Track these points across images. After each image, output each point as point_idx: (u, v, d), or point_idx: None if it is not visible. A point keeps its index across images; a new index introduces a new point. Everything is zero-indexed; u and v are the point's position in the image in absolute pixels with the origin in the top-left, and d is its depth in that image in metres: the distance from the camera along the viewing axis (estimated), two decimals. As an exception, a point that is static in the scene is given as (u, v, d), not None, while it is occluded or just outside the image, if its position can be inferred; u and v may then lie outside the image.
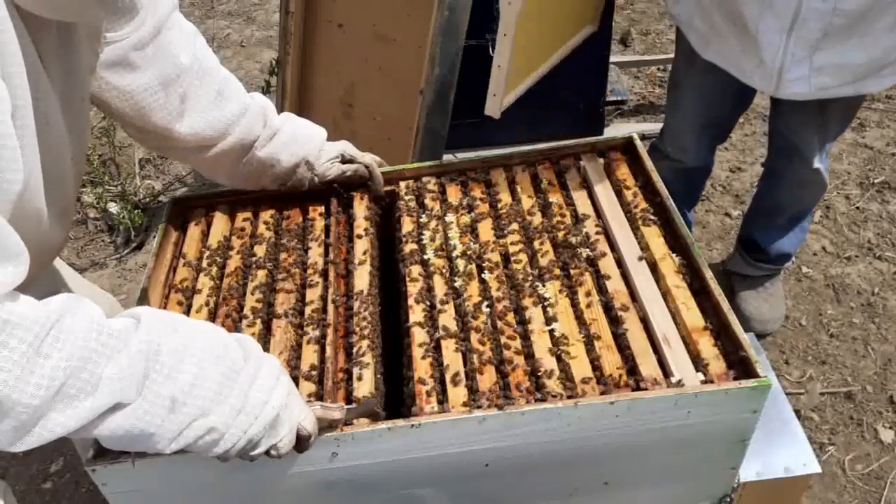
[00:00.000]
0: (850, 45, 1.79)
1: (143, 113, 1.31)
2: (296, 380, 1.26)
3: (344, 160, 1.58)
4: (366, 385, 1.23)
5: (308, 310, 1.39)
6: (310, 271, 1.46)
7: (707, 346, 1.21)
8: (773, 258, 2.57)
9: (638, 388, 1.17)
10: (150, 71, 1.28)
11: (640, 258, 1.38)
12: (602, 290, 1.35)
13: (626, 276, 1.36)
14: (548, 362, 1.22)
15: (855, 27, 1.75)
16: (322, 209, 1.60)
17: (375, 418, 1.18)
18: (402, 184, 1.64)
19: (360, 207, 1.59)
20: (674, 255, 1.37)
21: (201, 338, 1.05)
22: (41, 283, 1.38)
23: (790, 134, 2.23)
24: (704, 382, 1.17)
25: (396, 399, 1.27)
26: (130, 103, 1.29)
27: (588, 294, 1.33)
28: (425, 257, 1.45)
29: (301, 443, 1.11)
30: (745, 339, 1.19)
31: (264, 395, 1.06)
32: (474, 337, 1.28)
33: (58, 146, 1.09)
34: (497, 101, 2.10)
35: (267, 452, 1.09)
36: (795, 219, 2.49)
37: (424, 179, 1.64)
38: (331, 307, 1.37)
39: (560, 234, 1.45)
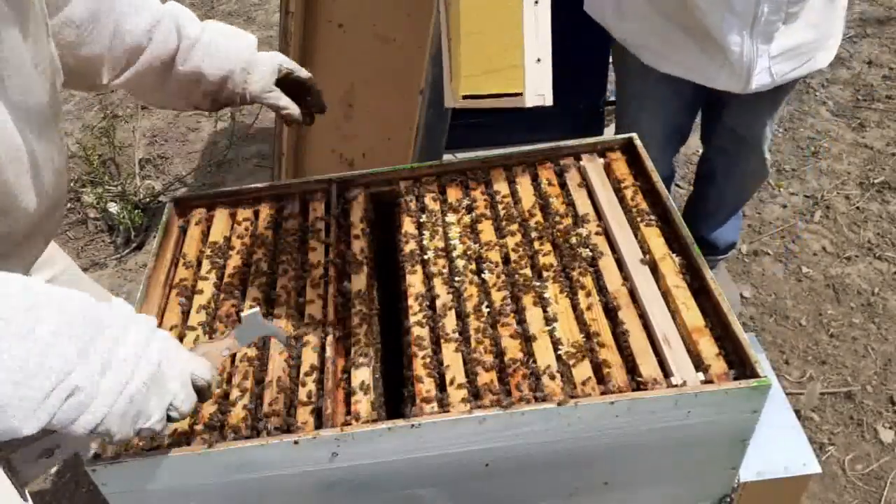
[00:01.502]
0: (798, 26, 1.86)
1: (72, 49, 1.26)
2: (296, 379, 1.27)
3: (280, 74, 1.45)
4: (363, 383, 1.23)
5: (308, 310, 1.39)
6: (309, 271, 1.46)
7: (707, 346, 1.21)
8: (724, 249, 2.65)
9: (638, 388, 1.17)
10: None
11: (640, 258, 1.38)
12: (602, 290, 1.34)
13: (626, 277, 1.36)
14: (548, 362, 1.22)
15: (802, 9, 1.83)
16: (322, 209, 1.60)
17: (280, 338, 1.14)
18: (402, 184, 1.63)
19: (358, 208, 1.59)
20: (674, 255, 1.37)
21: (58, 296, 0.93)
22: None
23: (743, 128, 2.26)
24: (704, 382, 1.17)
25: (396, 399, 1.27)
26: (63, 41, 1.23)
27: (588, 294, 1.33)
28: (425, 257, 1.45)
29: (202, 394, 1.03)
30: (746, 339, 1.19)
31: (137, 349, 0.95)
32: (474, 337, 1.28)
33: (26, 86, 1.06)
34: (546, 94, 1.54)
35: (169, 417, 1.00)
36: (737, 208, 2.58)
37: (424, 179, 1.64)
38: (330, 307, 1.37)
39: (560, 234, 1.45)
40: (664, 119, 2.26)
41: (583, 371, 1.20)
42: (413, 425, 1.14)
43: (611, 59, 3.14)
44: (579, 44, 2.98)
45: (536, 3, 1.28)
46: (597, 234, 1.45)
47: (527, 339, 1.27)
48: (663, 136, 2.31)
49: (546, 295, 1.33)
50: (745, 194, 2.55)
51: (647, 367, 1.19)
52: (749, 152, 2.30)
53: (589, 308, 1.31)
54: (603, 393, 1.17)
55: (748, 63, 1.88)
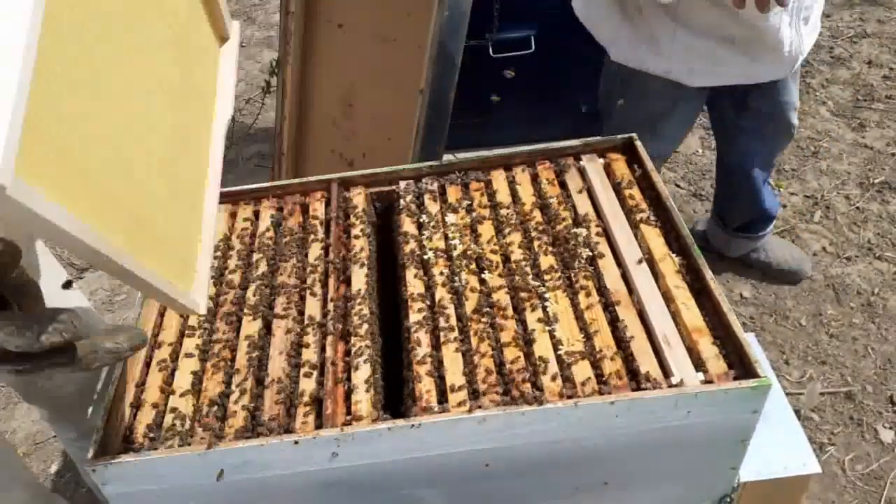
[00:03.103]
0: None
1: None
2: (296, 379, 1.27)
3: None
4: (363, 383, 1.24)
5: (308, 310, 1.39)
6: (309, 271, 1.46)
7: (707, 346, 1.21)
8: (775, 213, 2.76)
9: (638, 388, 1.17)
10: None
11: (640, 258, 1.38)
12: (602, 290, 1.35)
13: (626, 277, 1.36)
14: (548, 362, 1.22)
15: None
16: (322, 209, 1.60)
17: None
18: (402, 184, 1.63)
19: (358, 208, 1.59)
20: (674, 256, 1.37)
21: None
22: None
23: (775, 107, 2.32)
24: (704, 382, 1.17)
25: (396, 399, 1.27)
26: None
27: (588, 294, 1.33)
28: (425, 257, 1.45)
29: None
30: (745, 339, 1.19)
31: None
32: (474, 337, 1.28)
33: None
34: None
35: None
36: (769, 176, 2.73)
37: (424, 179, 1.64)
38: (330, 307, 1.37)
39: (560, 235, 1.45)
40: (686, 128, 2.37)
41: (583, 371, 1.20)
42: (413, 425, 1.14)
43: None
44: (580, 45, 2.98)
45: None
46: (597, 234, 1.45)
47: (527, 340, 1.27)
48: (678, 142, 2.43)
49: (546, 295, 1.33)
50: (774, 163, 2.68)
51: (647, 367, 1.19)
52: (784, 125, 2.38)
53: (589, 308, 1.31)
54: (603, 393, 1.17)
55: (796, 50, 2.02)
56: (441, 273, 1.41)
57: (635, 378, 1.19)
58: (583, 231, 1.45)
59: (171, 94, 0.98)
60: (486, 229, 1.49)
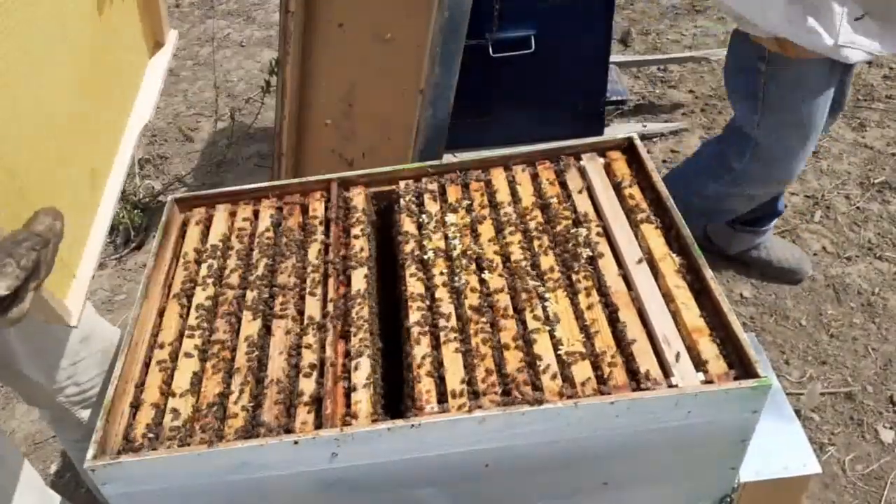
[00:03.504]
0: None
1: None
2: (296, 379, 1.27)
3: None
4: (363, 383, 1.23)
5: (308, 310, 1.38)
6: (309, 271, 1.46)
7: (707, 346, 1.21)
8: (782, 211, 2.78)
9: (638, 388, 1.17)
10: None
11: (641, 258, 1.38)
12: (602, 290, 1.34)
13: (626, 276, 1.36)
14: (548, 362, 1.22)
15: None
16: (322, 209, 1.60)
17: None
18: (402, 184, 1.63)
19: (358, 208, 1.59)
20: (674, 255, 1.37)
21: None
22: None
23: (845, 89, 2.39)
24: (704, 382, 1.17)
25: (396, 399, 1.27)
26: None
27: (588, 294, 1.33)
28: (425, 257, 1.45)
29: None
30: (745, 339, 1.19)
31: None
32: (474, 337, 1.28)
33: None
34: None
35: None
36: None
37: (424, 179, 1.64)
38: (330, 307, 1.37)
39: (560, 235, 1.45)
40: (824, 114, 2.35)
41: (583, 371, 1.20)
42: (413, 425, 1.13)
43: (612, 60, 3.14)
44: (580, 45, 2.99)
45: None
46: (597, 234, 1.45)
47: (527, 339, 1.27)
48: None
49: (546, 295, 1.33)
50: None
51: (647, 367, 1.19)
52: (836, 110, 2.40)
53: (589, 308, 1.31)
54: (602, 393, 1.17)
55: None
56: (441, 273, 1.41)
57: (635, 378, 1.19)
58: (583, 231, 1.45)
59: (83, 80, 0.92)
60: (486, 229, 1.49)
